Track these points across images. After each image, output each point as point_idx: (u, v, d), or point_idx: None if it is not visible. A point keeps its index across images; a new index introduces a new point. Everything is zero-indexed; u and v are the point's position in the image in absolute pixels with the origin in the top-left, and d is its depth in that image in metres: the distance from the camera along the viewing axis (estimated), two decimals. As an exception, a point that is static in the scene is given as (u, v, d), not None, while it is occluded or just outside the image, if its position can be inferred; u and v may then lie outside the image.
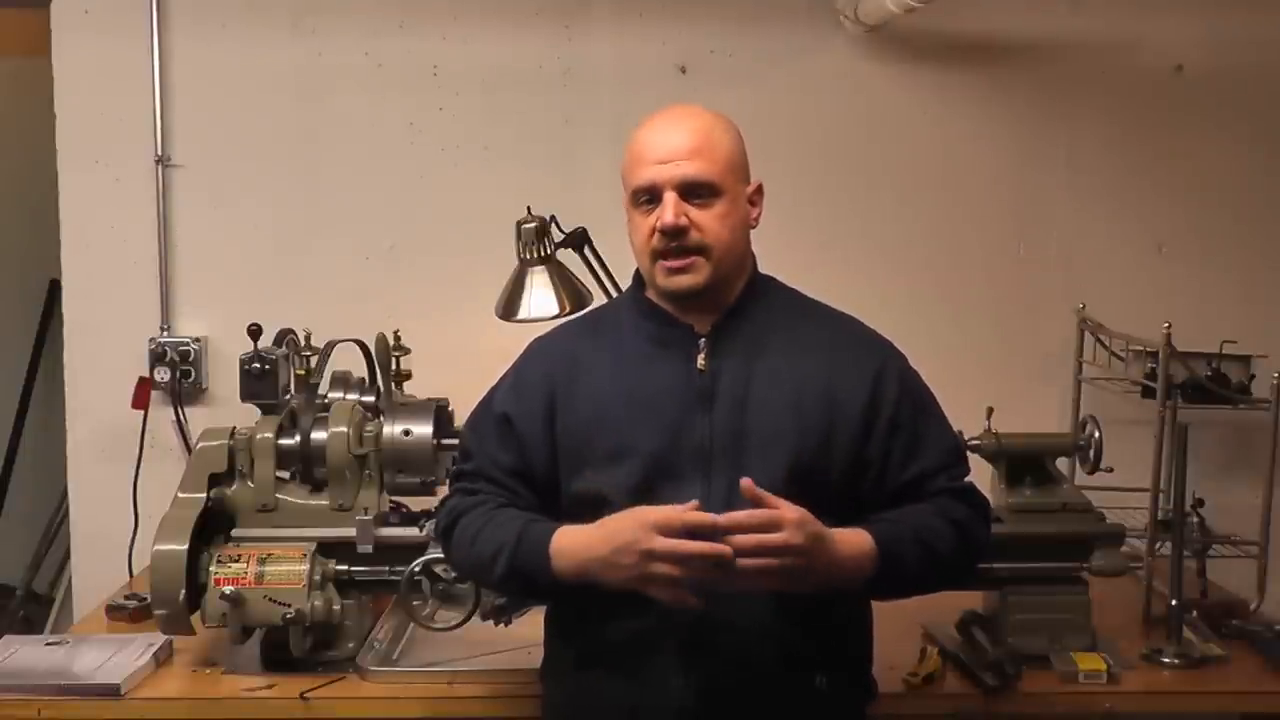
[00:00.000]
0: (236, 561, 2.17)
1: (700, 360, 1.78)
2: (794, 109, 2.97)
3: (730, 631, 1.71)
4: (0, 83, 4.41)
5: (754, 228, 1.84)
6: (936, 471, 1.80)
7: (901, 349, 1.89)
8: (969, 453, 2.19)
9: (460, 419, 2.43)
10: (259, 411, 2.35)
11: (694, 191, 1.74)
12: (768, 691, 1.75)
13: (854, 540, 1.69)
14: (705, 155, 1.74)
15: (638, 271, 1.87)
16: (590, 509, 1.73)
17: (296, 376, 2.37)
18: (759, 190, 1.84)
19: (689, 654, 1.72)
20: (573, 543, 1.70)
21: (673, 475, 1.72)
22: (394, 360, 2.50)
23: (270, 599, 2.14)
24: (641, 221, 1.77)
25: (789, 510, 1.61)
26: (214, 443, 2.30)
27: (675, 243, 1.74)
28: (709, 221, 1.74)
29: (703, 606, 1.62)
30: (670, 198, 1.73)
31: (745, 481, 1.61)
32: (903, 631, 2.26)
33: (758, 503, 1.61)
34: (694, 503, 1.62)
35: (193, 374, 2.96)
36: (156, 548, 2.17)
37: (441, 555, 2.12)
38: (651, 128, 1.79)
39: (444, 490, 2.32)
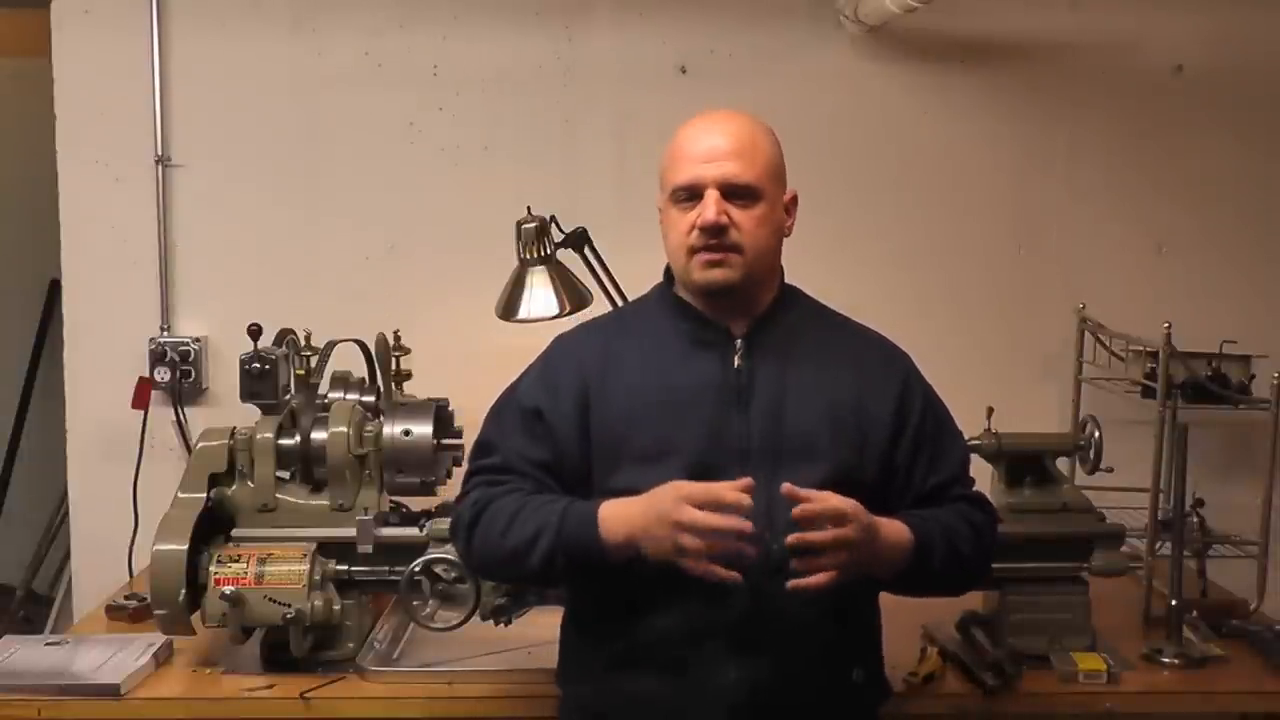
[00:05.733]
0: (236, 561, 2.17)
1: (737, 361, 1.79)
2: (794, 109, 2.94)
3: (777, 626, 1.72)
4: (0, 83, 4.42)
5: (787, 236, 1.86)
6: (954, 480, 1.86)
7: (901, 349, 1.91)
8: (969, 453, 2.20)
9: (460, 419, 2.44)
10: (259, 411, 2.34)
11: (735, 192, 1.76)
12: (811, 684, 1.76)
13: (897, 530, 1.73)
14: (747, 158, 1.77)
15: (668, 269, 1.88)
16: None
17: (296, 376, 2.37)
18: (794, 200, 1.86)
19: (739, 648, 1.72)
20: (619, 512, 1.71)
21: (712, 474, 1.72)
22: (394, 360, 2.51)
23: (270, 599, 2.14)
24: (679, 218, 1.78)
25: (845, 503, 1.65)
26: (214, 443, 2.30)
27: (714, 240, 1.75)
28: (747, 223, 1.76)
29: (740, 581, 1.63)
30: (712, 195, 1.75)
31: (786, 486, 1.64)
32: (903, 631, 2.25)
33: (800, 503, 1.64)
34: (746, 480, 1.64)
35: (193, 374, 2.96)
36: (156, 548, 2.17)
37: (441, 555, 2.13)
38: (695, 127, 1.81)
39: (445, 491, 2.32)
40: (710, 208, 1.74)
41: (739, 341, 1.80)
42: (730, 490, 1.63)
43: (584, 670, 1.87)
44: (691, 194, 1.77)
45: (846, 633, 1.79)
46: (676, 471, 1.72)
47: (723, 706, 1.73)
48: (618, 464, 1.78)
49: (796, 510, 1.63)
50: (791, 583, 1.64)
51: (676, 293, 1.87)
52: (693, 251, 1.77)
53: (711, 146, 1.77)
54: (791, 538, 1.63)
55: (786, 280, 1.91)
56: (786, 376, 1.79)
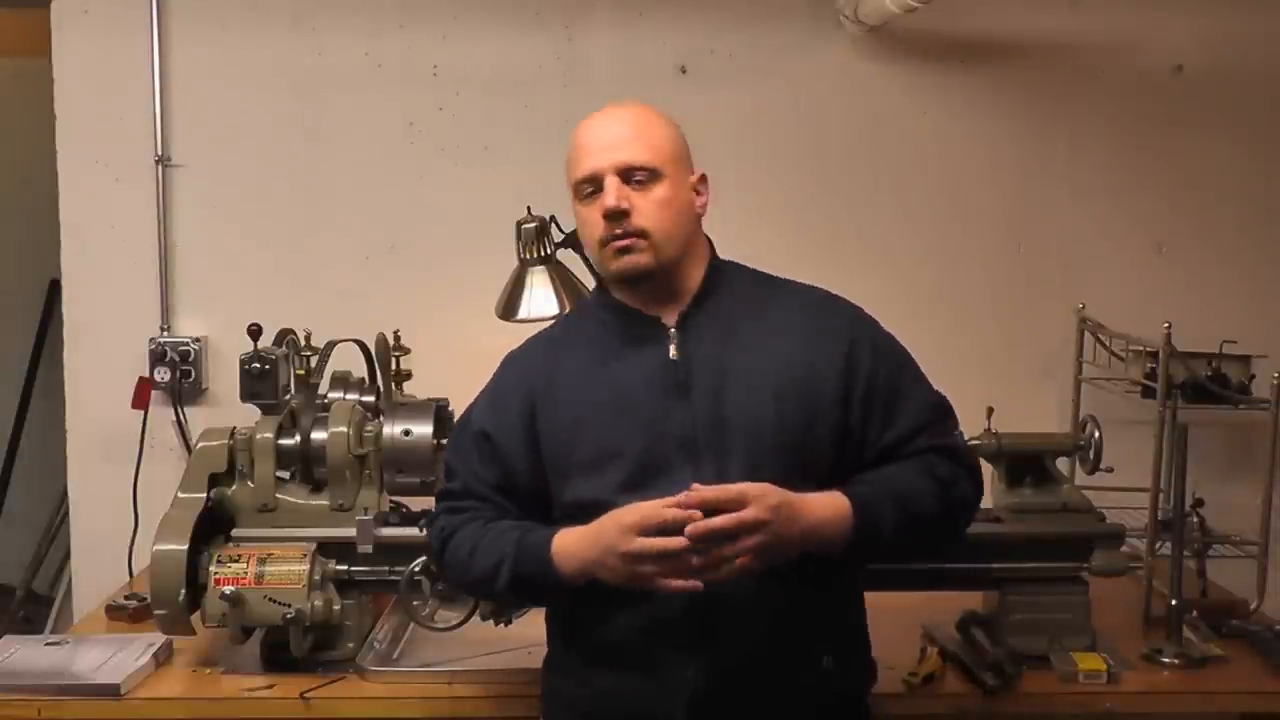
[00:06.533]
0: (236, 561, 2.17)
1: (672, 351, 1.79)
2: (794, 109, 2.97)
3: (733, 615, 1.71)
4: (0, 83, 4.42)
5: (701, 215, 1.85)
6: (916, 432, 1.80)
7: (850, 302, 1.88)
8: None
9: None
10: (259, 411, 2.34)
11: (634, 176, 1.76)
12: (776, 674, 1.75)
13: (829, 503, 1.70)
14: (642, 141, 1.78)
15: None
16: (586, 514, 1.73)
17: (296, 376, 2.38)
18: (703, 179, 1.86)
19: (695, 641, 1.72)
20: (570, 544, 1.71)
21: (661, 469, 1.72)
22: (394, 360, 2.51)
23: (270, 599, 2.14)
24: (588, 214, 1.79)
25: (748, 487, 1.63)
26: (214, 443, 2.30)
27: (619, 227, 1.76)
28: (649, 205, 1.76)
29: (701, 589, 1.62)
30: (612, 182, 1.76)
31: (695, 487, 1.63)
32: (903, 631, 2.27)
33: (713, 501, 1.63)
34: (685, 495, 1.62)
35: (193, 374, 2.96)
36: (156, 548, 2.17)
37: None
38: (588, 123, 1.83)
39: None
40: (610, 194, 1.75)
41: (672, 330, 1.80)
42: (667, 510, 1.62)
43: (565, 665, 1.88)
44: (595, 185, 1.78)
45: (810, 619, 1.77)
46: (621, 475, 1.73)
47: (684, 700, 1.73)
48: (568, 474, 1.78)
49: (684, 497, 1.61)
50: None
51: (613, 293, 1.86)
52: (604, 243, 1.78)
53: (605, 136, 1.79)
54: (689, 529, 1.60)
55: (726, 258, 1.89)
56: (725, 359, 1.78)
